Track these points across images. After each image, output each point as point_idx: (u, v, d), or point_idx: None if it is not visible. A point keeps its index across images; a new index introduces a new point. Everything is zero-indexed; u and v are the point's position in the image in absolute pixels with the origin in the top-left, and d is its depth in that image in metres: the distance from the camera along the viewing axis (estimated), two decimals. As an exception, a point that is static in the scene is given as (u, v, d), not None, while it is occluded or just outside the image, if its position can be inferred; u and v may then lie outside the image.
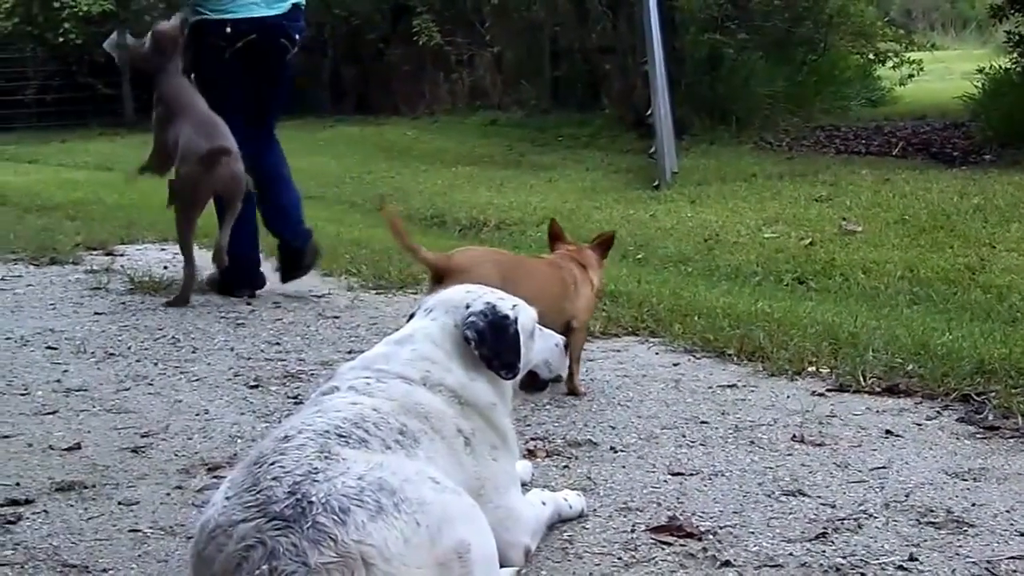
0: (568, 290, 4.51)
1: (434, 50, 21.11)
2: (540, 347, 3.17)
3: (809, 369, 4.77)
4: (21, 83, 24.00)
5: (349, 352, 5.07)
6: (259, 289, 6.54)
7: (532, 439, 3.91)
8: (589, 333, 4.94)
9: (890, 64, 20.09)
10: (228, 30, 6.26)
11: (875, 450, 3.81)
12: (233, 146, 6.06)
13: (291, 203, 6.61)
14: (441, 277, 4.04)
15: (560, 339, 3.28)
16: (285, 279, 6.58)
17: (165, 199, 6.35)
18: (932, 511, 3.25)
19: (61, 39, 22.34)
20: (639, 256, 8.32)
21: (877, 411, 4.23)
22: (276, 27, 6.36)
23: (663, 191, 11.59)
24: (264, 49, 6.36)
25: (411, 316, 3.08)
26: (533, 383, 3.22)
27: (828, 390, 4.51)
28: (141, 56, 6.36)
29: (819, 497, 3.38)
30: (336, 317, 5.92)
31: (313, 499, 2.29)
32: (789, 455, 3.77)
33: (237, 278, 6.44)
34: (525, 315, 3.07)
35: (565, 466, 3.68)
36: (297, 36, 6.49)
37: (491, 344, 2.93)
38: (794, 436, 3.94)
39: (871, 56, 20.14)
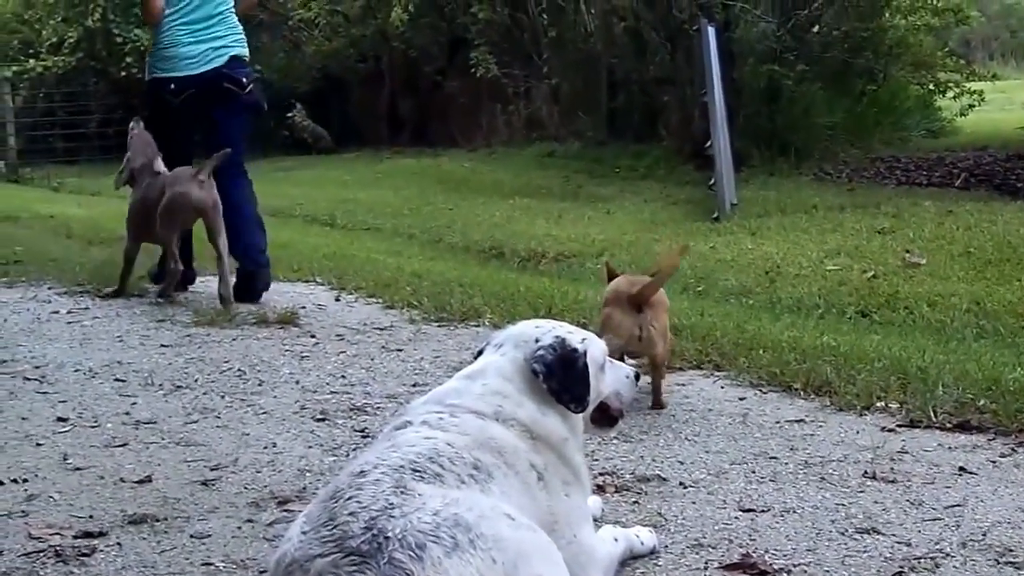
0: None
1: (491, 82, 21.26)
2: (610, 379, 3.14)
3: (878, 404, 4.70)
4: (84, 116, 24.49)
5: (414, 385, 5.09)
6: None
7: (601, 474, 3.89)
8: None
9: (950, 94, 19.89)
10: (172, 86, 7.44)
11: (949, 487, 3.74)
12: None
13: (249, 232, 7.48)
14: (641, 308, 4.61)
15: (631, 371, 3.26)
16: (237, 299, 7.16)
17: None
18: (1011, 550, 3.19)
19: (123, 73, 22.81)
20: (700, 289, 8.29)
21: (949, 447, 4.16)
22: (215, 78, 7.42)
23: (723, 223, 11.57)
24: (208, 97, 7.41)
25: (479, 352, 3.08)
26: (603, 417, 3.19)
27: (898, 426, 4.44)
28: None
29: (894, 535, 3.32)
30: (399, 350, 5.93)
31: (389, 535, 2.28)
32: (861, 492, 3.71)
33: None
34: (595, 348, 3.05)
35: (635, 502, 3.65)
36: (244, 79, 7.50)
37: (560, 378, 2.91)
38: (865, 472, 3.89)
39: (931, 86, 19.96)
